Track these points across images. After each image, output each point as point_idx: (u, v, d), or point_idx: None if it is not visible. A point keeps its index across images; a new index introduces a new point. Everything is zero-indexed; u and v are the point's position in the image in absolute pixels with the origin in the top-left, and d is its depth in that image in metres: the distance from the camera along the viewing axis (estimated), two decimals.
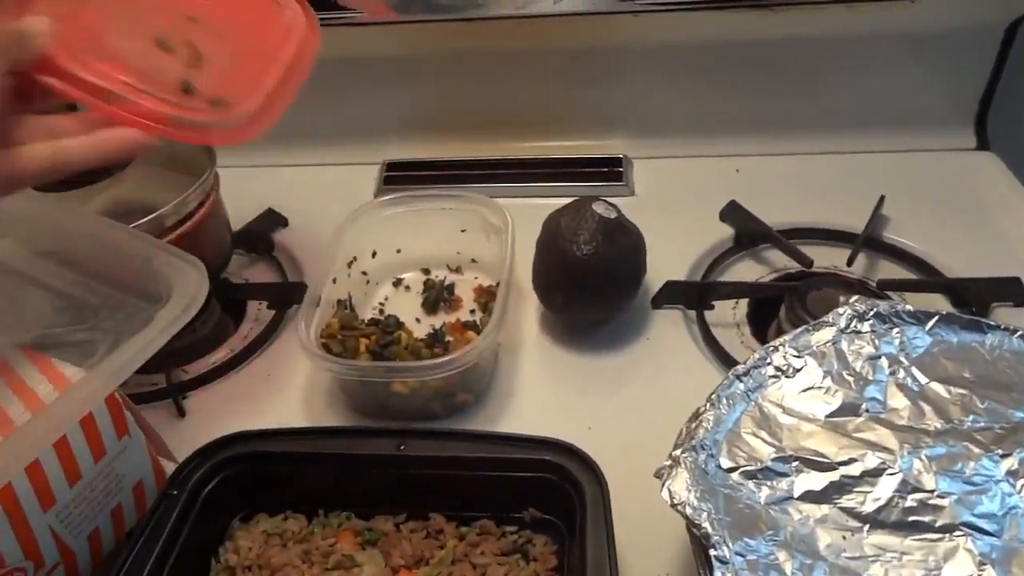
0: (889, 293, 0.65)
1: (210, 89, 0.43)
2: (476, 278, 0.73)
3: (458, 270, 0.74)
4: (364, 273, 0.71)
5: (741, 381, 0.46)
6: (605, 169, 0.85)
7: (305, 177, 0.90)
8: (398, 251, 0.74)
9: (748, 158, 0.85)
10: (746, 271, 0.72)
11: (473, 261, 0.74)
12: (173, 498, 0.47)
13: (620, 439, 0.55)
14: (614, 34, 0.82)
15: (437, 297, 0.70)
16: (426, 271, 0.74)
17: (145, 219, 0.61)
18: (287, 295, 0.71)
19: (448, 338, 0.64)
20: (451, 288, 0.72)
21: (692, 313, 0.67)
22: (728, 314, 0.67)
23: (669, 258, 0.70)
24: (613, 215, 0.63)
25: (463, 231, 0.72)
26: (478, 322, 0.67)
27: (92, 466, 0.45)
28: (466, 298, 0.71)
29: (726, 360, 0.61)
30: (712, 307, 0.67)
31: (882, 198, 0.75)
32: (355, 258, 0.69)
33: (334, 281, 0.65)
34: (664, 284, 0.67)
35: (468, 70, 0.87)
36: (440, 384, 0.57)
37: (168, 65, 0.43)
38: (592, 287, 0.62)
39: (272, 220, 0.82)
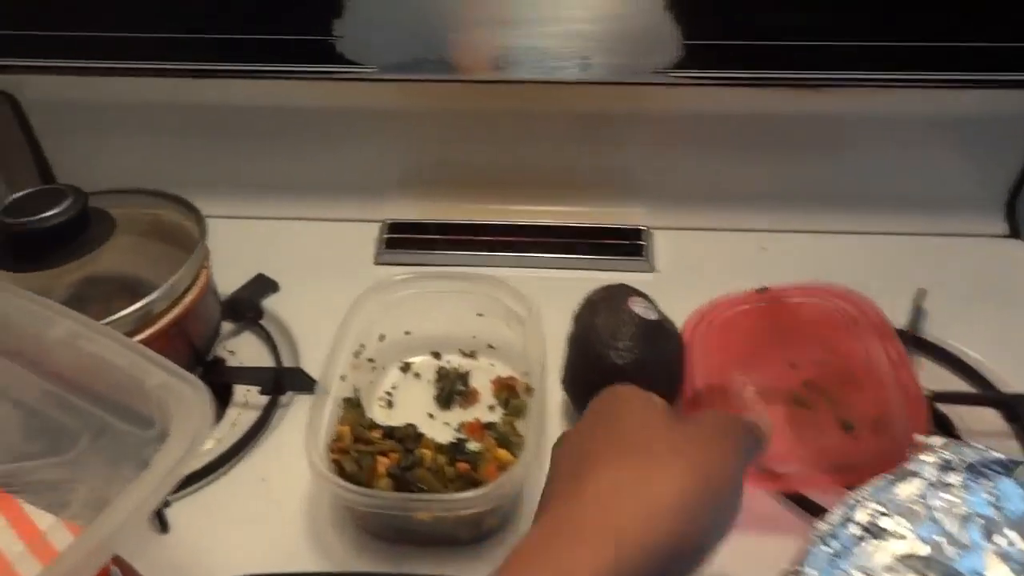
0: (940, 405, 0.61)
1: (862, 417, 0.48)
2: (493, 365, 0.67)
3: (472, 355, 0.68)
4: (371, 360, 0.64)
5: (827, 545, 0.41)
6: (625, 241, 0.80)
7: (299, 232, 0.83)
8: (407, 333, 0.67)
9: (773, 234, 0.81)
10: None
11: (490, 347, 0.67)
12: None
13: None
14: (638, 101, 0.77)
15: (451, 389, 0.64)
16: (436, 355, 0.68)
17: (132, 309, 0.54)
18: (282, 381, 0.64)
19: (470, 445, 0.57)
20: (465, 378, 0.65)
21: None
22: None
23: None
24: (653, 316, 0.58)
25: (480, 315, 0.66)
26: (499, 423, 0.60)
27: None
28: (483, 390, 0.65)
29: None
30: None
31: (922, 292, 0.71)
32: (363, 345, 0.63)
33: (342, 379, 0.58)
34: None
35: (479, 128, 0.81)
36: (468, 513, 0.50)
37: (814, 417, 0.51)
38: None
39: (262, 286, 0.74)
